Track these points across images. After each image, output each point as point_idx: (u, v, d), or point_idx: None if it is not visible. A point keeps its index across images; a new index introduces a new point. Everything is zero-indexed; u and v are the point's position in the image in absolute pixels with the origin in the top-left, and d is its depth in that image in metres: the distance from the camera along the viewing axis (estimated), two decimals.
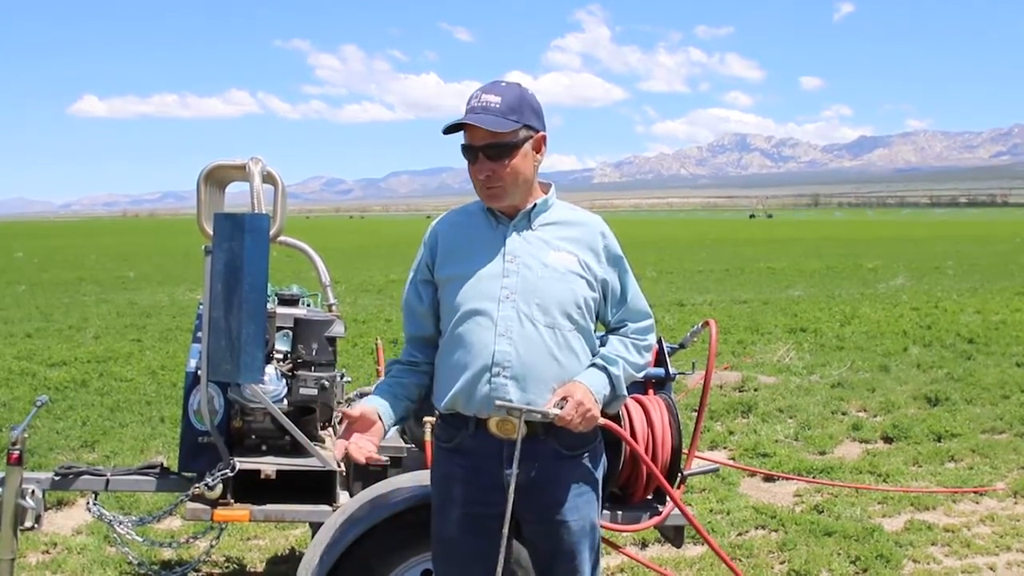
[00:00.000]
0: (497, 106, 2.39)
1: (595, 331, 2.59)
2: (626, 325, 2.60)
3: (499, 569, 2.38)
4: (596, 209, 2.83)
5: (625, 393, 2.55)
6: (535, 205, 2.52)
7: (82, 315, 14.29)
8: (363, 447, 2.39)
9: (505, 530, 2.38)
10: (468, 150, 2.44)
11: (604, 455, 2.67)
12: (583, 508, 2.53)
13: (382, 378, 2.59)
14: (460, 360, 2.44)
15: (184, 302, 16.09)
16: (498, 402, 2.37)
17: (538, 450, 2.45)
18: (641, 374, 2.65)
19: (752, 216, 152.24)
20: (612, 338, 2.58)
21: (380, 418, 2.46)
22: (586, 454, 2.54)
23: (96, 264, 28.26)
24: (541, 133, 2.49)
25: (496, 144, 2.40)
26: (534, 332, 2.42)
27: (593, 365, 2.50)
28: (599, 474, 2.61)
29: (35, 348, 10.68)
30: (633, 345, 2.57)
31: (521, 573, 2.84)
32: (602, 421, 2.47)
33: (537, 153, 2.49)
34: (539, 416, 2.37)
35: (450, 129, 2.43)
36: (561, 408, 2.37)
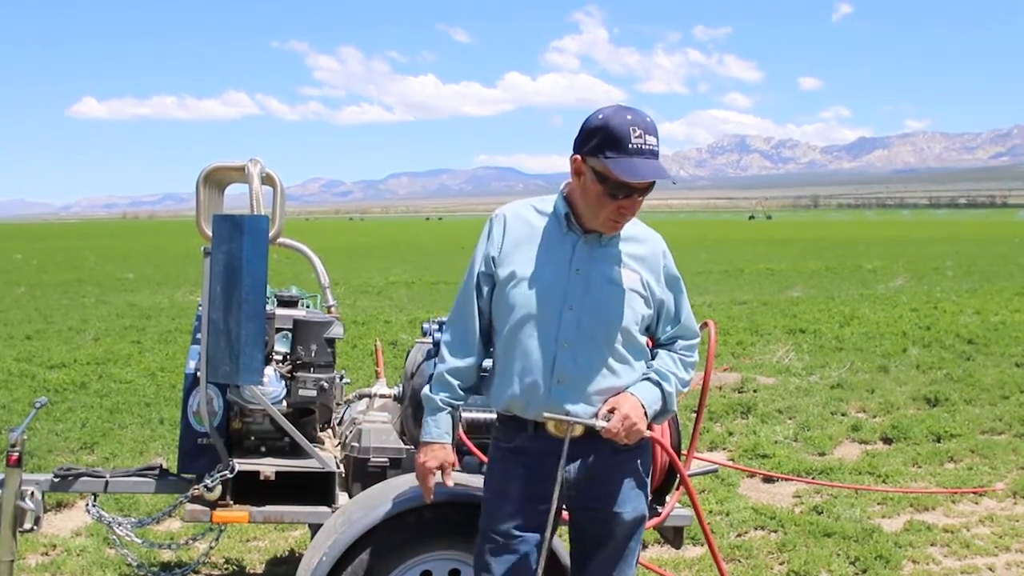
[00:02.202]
0: (657, 148, 2.39)
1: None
2: (676, 342, 2.65)
3: (541, 561, 2.46)
4: None
5: (674, 408, 2.60)
6: None
7: (81, 317, 14.29)
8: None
9: (550, 519, 2.46)
10: (626, 188, 2.38)
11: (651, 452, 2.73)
12: (635, 500, 2.60)
13: (447, 394, 2.60)
14: (519, 367, 2.49)
15: (184, 304, 16.09)
16: (546, 414, 2.44)
17: (595, 446, 2.52)
18: (687, 390, 2.68)
19: (751, 217, 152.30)
20: (663, 353, 2.63)
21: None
22: (638, 448, 2.60)
23: (95, 266, 28.26)
24: None
25: (652, 187, 2.42)
26: (592, 345, 2.47)
27: (647, 379, 2.55)
28: (649, 468, 2.69)
29: (34, 350, 10.68)
30: (682, 362, 2.62)
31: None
32: (648, 434, 2.52)
33: None
34: (586, 426, 2.44)
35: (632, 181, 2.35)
36: (608, 420, 2.43)
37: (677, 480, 3.27)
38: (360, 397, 3.79)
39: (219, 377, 3.03)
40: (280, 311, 3.48)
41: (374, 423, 3.46)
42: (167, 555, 4.52)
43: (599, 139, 2.38)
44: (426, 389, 2.64)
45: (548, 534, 2.49)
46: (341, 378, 3.81)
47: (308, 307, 3.77)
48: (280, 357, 3.39)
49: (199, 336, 3.19)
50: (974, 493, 5.62)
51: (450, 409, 2.60)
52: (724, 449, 6.71)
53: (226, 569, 4.51)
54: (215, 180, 3.67)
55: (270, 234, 3.28)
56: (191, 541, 3.74)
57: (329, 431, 3.79)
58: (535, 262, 2.50)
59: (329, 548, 2.84)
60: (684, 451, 3.37)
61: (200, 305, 3.24)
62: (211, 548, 3.72)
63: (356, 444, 3.33)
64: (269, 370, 3.25)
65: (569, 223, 2.52)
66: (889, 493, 5.58)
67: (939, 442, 6.74)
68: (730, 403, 7.87)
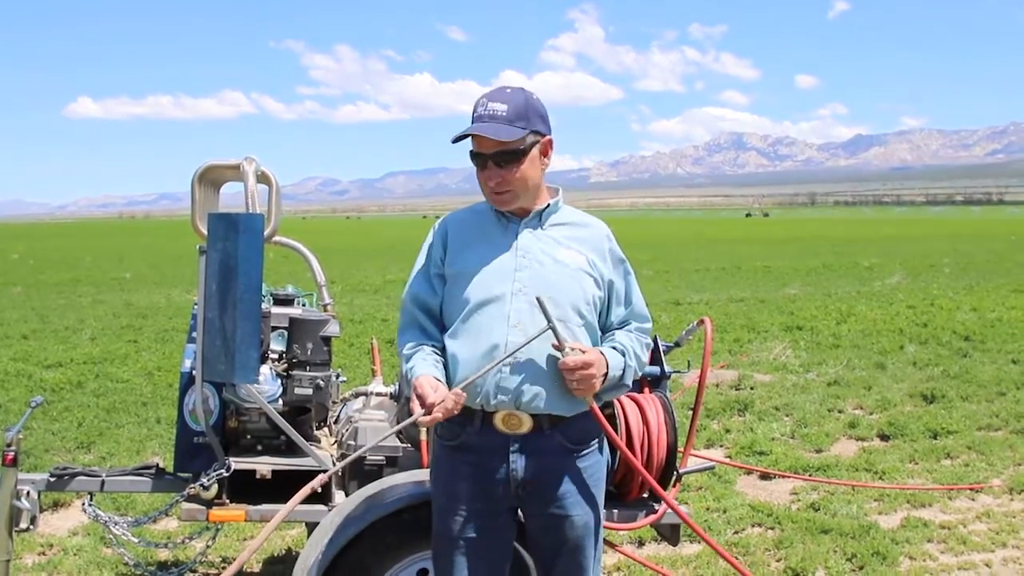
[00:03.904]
0: (504, 114, 2.42)
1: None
2: (630, 323, 2.63)
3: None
4: (593, 209, 2.82)
5: (629, 384, 2.57)
6: (548, 206, 2.56)
7: (78, 316, 14.27)
8: (448, 400, 2.32)
9: None
10: (477, 157, 2.47)
11: (607, 451, 2.68)
12: (587, 503, 2.55)
13: (421, 352, 2.48)
14: (470, 350, 2.45)
15: (180, 303, 16.07)
16: (536, 295, 2.39)
17: (543, 445, 2.47)
18: (639, 374, 2.67)
19: (748, 215, 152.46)
20: (620, 332, 2.60)
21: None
22: (590, 449, 2.57)
23: (92, 265, 28.21)
24: (548, 137, 2.52)
25: (505, 152, 2.44)
26: (545, 325, 2.43)
27: (613, 347, 2.53)
28: (603, 470, 2.64)
29: (31, 349, 10.66)
30: (638, 341, 2.60)
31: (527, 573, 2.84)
32: (592, 403, 2.46)
33: (544, 157, 2.53)
34: (555, 336, 2.37)
35: (458, 139, 2.46)
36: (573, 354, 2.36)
37: (674, 477, 3.27)
38: (356, 395, 3.79)
39: (215, 376, 3.03)
40: (276, 309, 3.48)
41: (370, 421, 3.46)
42: (164, 554, 4.51)
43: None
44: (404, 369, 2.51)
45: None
46: (337, 376, 3.81)
47: (304, 305, 3.76)
48: (276, 355, 3.39)
49: (195, 335, 3.19)
50: (971, 489, 5.62)
51: (429, 354, 2.48)
52: (721, 446, 6.72)
53: (223, 568, 4.50)
54: (210, 179, 3.67)
55: (265, 232, 3.27)
56: (188, 540, 3.74)
57: (325, 429, 3.79)
58: (482, 253, 2.51)
59: (326, 546, 2.85)
60: (681, 448, 3.36)
61: (196, 304, 3.23)
62: (208, 547, 3.72)
63: (352, 442, 3.32)
64: (265, 368, 3.25)
65: (505, 215, 2.55)
66: (886, 490, 5.59)
67: (936, 439, 6.75)
68: (727, 400, 7.87)
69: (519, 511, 2.56)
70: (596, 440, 2.59)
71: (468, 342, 2.46)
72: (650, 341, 2.68)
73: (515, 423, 2.44)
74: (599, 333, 2.58)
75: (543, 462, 2.48)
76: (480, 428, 2.46)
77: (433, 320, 2.57)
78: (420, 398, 2.34)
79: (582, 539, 2.55)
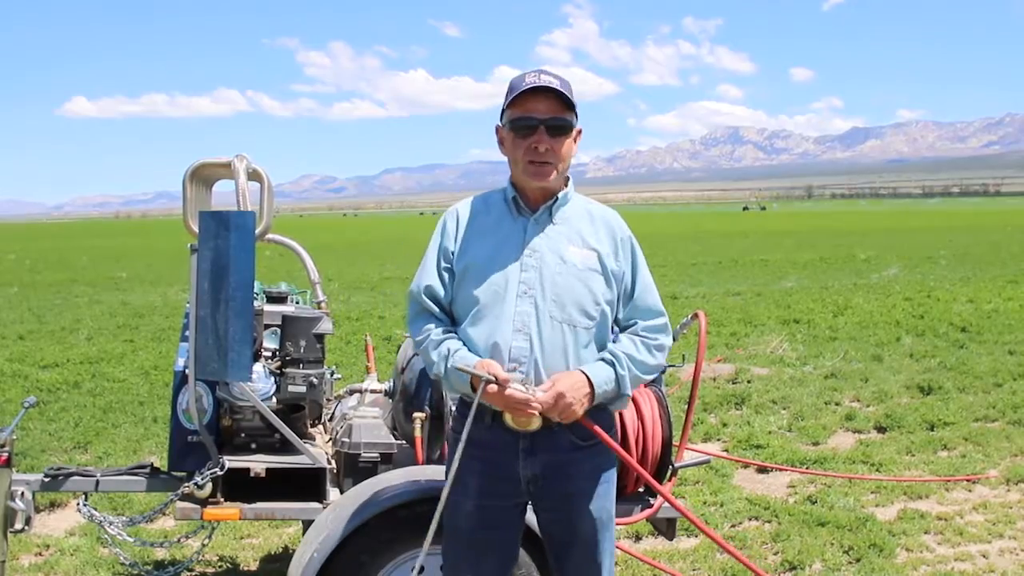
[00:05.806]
0: (557, 84, 2.41)
1: (612, 329, 2.58)
2: (636, 323, 2.55)
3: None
4: None
5: (629, 393, 2.51)
6: (556, 199, 2.51)
7: (75, 316, 14.25)
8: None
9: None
10: (527, 122, 2.41)
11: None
12: (600, 498, 2.54)
13: (451, 337, 2.47)
14: (476, 353, 2.43)
15: (177, 302, 16.04)
16: (461, 366, 2.34)
17: (554, 441, 2.46)
18: (652, 376, 2.61)
19: (745, 208, 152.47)
20: (624, 336, 2.54)
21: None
22: (600, 444, 2.53)
23: (89, 265, 28.17)
24: (580, 127, 2.51)
25: (560, 120, 2.42)
26: (550, 329, 2.42)
27: (602, 359, 2.47)
28: (613, 463, 2.61)
29: (27, 350, 10.65)
30: (643, 344, 2.51)
31: (523, 571, 2.84)
32: (579, 416, 2.42)
33: (575, 144, 2.52)
34: (521, 394, 2.34)
35: (518, 96, 2.39)
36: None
37: (669, 472, 3.28)
38: (351, 392, 3.79)
39: (208, 374, 3.02)
40: (268, 307, 3.47)
41: (365, 418, 3.46)
42: (160, 553, 4.51)
43: (505, 98, 2.47)
44: (432, 367, 2.48)
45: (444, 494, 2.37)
46: (332, 373, 3.80)
47: (298, 303, 3.76)
48: (269, 353, 3.38)
49: (188, 333, 3.18)
50: (967, 481, 5.63)
51: (458, 346, 2.44)
52: (718, 440, 6.72)
53: (220, 567, 4.49)
54: (202, 177, 3.65)
55: (257, 230, 3.27)
56: (184, 539, 3.73)
57: (320, 427, 3.79)
58: (489, 251, 2.47)
59: (321, 544, 2.84)
60: (676, 442, 3.36)
61: (188, 302, 3.22)
62: (204, 546, 3.70)
63: (347, 440, 3.32)
64: (258, 366, 3.24)
65: (518, 206, 2.51)
66: (883, 482, 5.59)
67: (932, 430, 6.75)
68: (724, 394, 7.87)
69: (529, 506, 2.56)
70: (608, 434, 2.56)
71: (475, 346, 2.43)
72: (664, 341, 2.55)
73: (524, 421, 2.42)
74: (610, 332, 2.54)
75: (553, 459, 2.47)
76: (491, 424, 2.44)
77: (445, 312, 2.54)
78: (489, 368, 2.33)
79: (598, 534, 2.54)
